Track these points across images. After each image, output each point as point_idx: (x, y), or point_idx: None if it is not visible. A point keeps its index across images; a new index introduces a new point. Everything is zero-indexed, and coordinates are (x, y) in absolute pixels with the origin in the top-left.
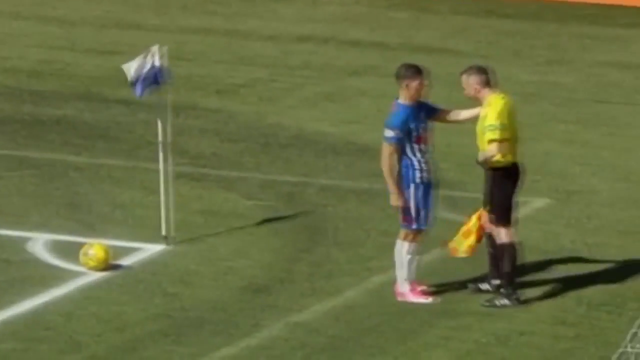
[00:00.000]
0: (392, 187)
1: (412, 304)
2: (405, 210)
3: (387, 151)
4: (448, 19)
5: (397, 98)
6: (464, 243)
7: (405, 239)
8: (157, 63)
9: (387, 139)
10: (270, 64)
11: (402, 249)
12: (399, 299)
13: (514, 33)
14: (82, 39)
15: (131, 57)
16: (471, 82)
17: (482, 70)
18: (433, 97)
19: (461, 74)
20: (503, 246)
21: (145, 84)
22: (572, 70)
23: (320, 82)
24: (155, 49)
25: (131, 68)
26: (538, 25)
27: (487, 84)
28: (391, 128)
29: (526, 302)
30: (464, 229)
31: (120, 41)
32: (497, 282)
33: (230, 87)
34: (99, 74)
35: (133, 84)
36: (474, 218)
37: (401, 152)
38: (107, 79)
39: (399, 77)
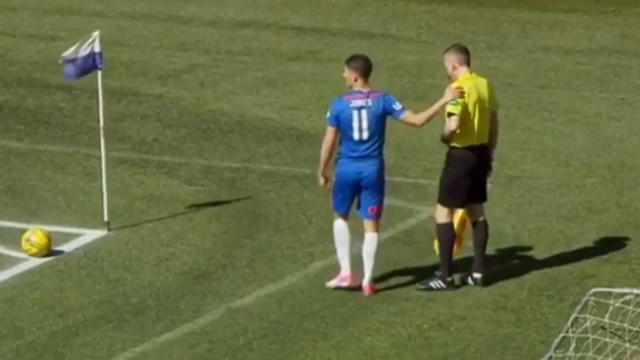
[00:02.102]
0: None
1: (352, 289)
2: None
3: None
4: (389, 4)
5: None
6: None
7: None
8: (97, 49)
9: None
10: (212, 49)
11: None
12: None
13: (454, 18)
14: (23, 25)
15: (72, 43)
16: (450, 59)
17: (462, 50)
18: (374, 83)
19: (443, 52)
20: (438, 226)
21: (83, 69)
22: (512, 56)
23: (261, 67)
24: (95, 34)
25: (67, 53)
26: (479, 10)
27: (465, 63)
28: None
29: (460, 286)
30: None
31: (61, 27)
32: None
33: (171, 73)
34: (41, 60)
35: (63, 64)
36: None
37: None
38: (49, 64)
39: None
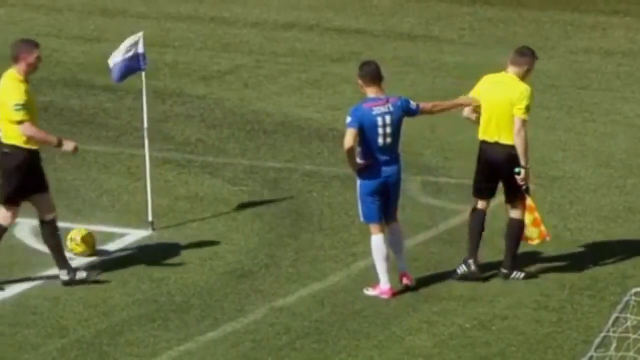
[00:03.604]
0: None
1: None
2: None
3: None
4: (431, 6)
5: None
6: (534, 231)
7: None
8: (140, 50)
9: None
10: (255, 50)
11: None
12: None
13: (496, 20)
14: (68, 26)
15: (117, 44)
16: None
17: (517, 51)
18: (417, 84)
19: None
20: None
21: (126, 70)
22: (554, 57)
23: (304, 68)
24: (139, 35)
25: (114, 55)
26: (520, 12)
27: (513, 64)
28: None
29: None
30: (532, 218)
31: (106, 28)
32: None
33: (215, 74)
34: (86, 61)
35: (111, 68)
36: (532, 207)
37: None
38: (94, 65)
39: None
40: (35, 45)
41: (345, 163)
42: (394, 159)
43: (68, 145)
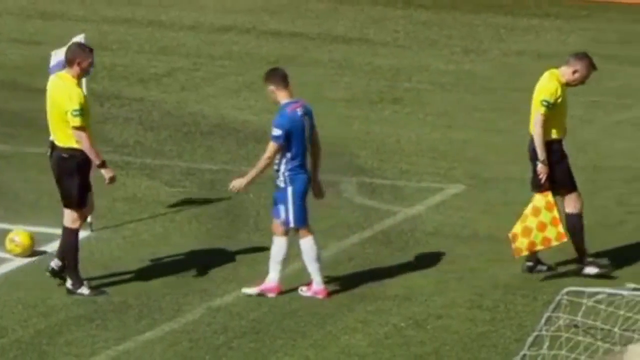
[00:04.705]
0: None
1: (330, 288)
2: None
3: None
4: (366, 9)
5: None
6: (553, 231)
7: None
8: None
9: None
10: (192, 53)
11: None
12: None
13: (430, 23)
14: (7, 29)
15: (56, 47)
16: None
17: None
18: (352, 87)
19: None
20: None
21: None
22: (487, 60)
23: (241, 71)
24: (80, 37)
25: (56, 53)
26: (454, 15)
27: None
28: None
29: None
30: (551, 217)
31: (45, 31)
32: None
33: (153, 77)
34: (25, 64)
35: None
36: (552, 204)
37: None
38: (33, 68)
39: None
40: (91, 50)
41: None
42: (306, 163)
43: (108, 173)
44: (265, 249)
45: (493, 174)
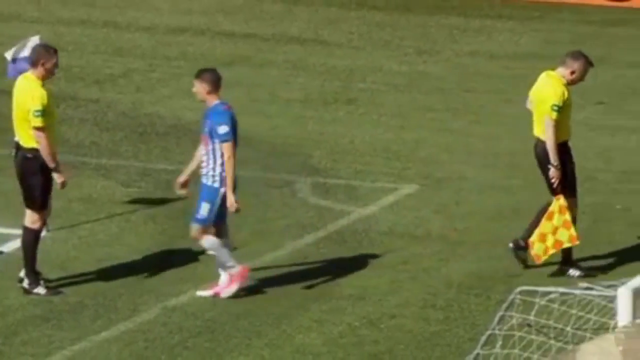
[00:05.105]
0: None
1: (285, 288)
2: None
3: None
4: (320, 10)
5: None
6: (565, 234)
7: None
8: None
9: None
10: (148, 54)
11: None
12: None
13: (384, 24)
14: None
15: (11, 48)
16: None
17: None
18: (307, 87)
19: None
20: None
21: (20, 71)
22: (440, 60)
23: (196, 72)
24: (35, 38)
25: (10, 52)
26: (407, 16)
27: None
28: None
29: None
30: (563, 219)
31: (0, 32)
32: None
33: (108, 78)
34: None
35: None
36: (564, 208)
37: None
38: None
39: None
40: (55, 51)
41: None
42: None
43: (59, 178)
44: None
45: (446, 173)
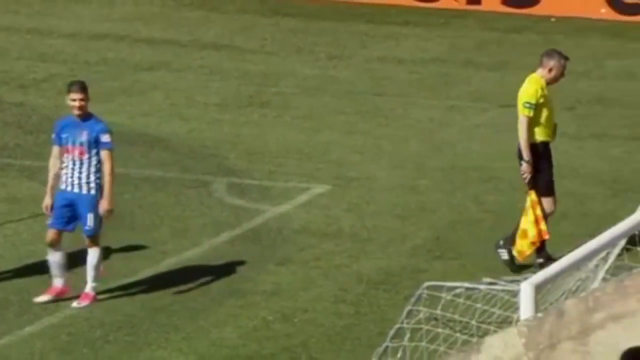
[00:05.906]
0: None
1: (202, 284)
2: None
3: None
4: (235, 17)
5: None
6: (534, 229)
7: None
8: None
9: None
10: (69, 60)
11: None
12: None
13: (296, 31)
14: None
15: None
16: None
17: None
18: (222, 92)
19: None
20: None
21: None
22: (351, 65)
23: (116, 77)
24: None
25: None
26: (319, 23)
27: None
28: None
29: None
30: (534, 216)
31: None
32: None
33: (32, 82)
34: None
35: None
36: (535, 202)
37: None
38: None
39: None
40: None
41: (155, 166)
42: None
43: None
44: (140, 247)
45: (356, 174)
